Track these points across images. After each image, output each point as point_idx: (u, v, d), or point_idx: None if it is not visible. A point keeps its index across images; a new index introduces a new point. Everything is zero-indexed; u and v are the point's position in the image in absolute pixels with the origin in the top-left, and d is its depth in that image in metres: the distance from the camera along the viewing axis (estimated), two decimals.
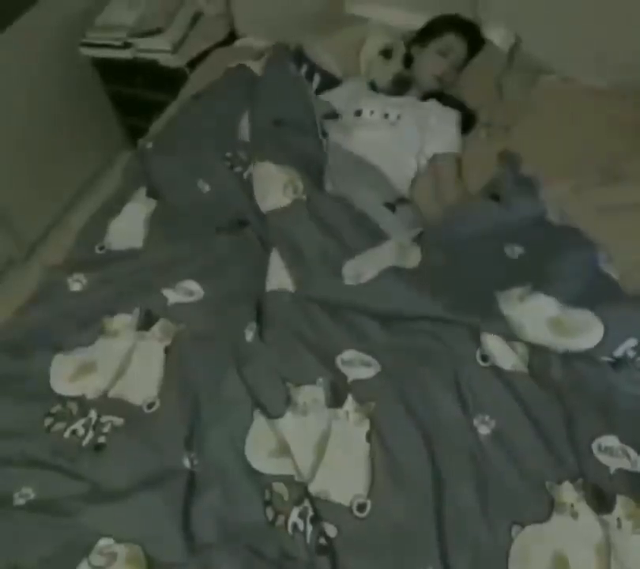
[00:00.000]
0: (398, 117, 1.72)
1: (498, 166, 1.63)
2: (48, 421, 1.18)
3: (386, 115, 1.73)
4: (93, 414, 1.18)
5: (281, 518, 1.02)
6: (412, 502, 1.03)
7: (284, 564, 0.98)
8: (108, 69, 2.27)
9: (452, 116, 1.76)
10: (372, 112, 1.75)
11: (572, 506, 1.00)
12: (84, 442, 1.15)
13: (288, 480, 1.05)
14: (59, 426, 1.17)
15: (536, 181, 1.54)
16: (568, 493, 1.02)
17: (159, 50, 2.11)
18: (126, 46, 2.12)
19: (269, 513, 1.03)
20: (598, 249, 1.37)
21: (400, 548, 0.99)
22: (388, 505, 1.03)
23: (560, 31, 1.78)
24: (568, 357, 1.20)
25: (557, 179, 1.54)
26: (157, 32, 2.10)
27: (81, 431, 1.16)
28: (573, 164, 1.58)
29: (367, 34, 1.85)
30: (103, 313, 1.34)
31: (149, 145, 1.73)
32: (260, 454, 1.09)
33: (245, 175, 1.58)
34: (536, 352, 1.21)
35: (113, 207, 1.59)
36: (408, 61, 1.86)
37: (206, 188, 1.58)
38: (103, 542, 1.01)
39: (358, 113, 1.76)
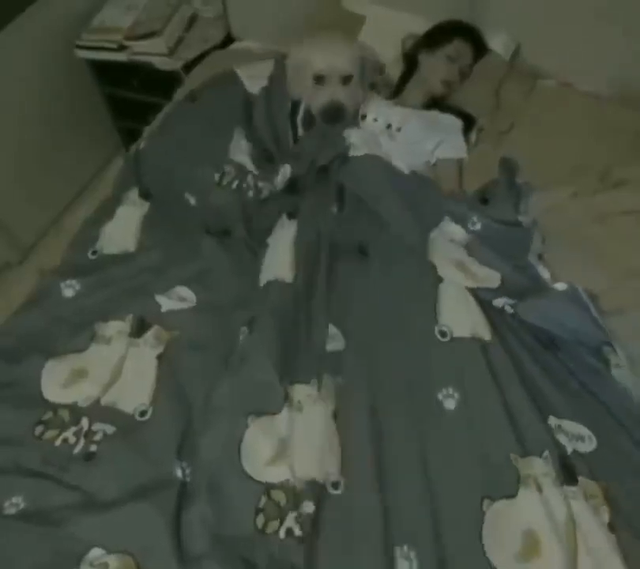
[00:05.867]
0: (398, 130, 1.70)
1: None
2: (39, 429, 1.17)
3: (389, 126, 1.72)
4: (85, 422, 1.17)
5: (274, 525, 1.01)
6: (389, 478, 1.05)
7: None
8: (104, 72, 2.27)
9: (457, 123, 1.76)
10: (376, 119, 1.73)
11: (537, 479, 1.02)
12: (76, 451, 1.14)
13: (285, 485, 1.04)
14: (50, 434, 1.16)
15: (527, 187, 1.54)
16: (533, 467, 1.04)
17: (154, 52, 2.11)
18: (122, 48, 2.12)
19: (260, 521, 1.01)
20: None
21: (377, 526, 0.99)
22: (363, 483, 1.04)
23: (558, 36, 1.78)
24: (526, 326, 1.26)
25: (555, 185, 1.54)
26: (153, 34, 2.10)
27: (73, 440, 1.15)
28: (571, 170, 1.58)
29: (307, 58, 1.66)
30: (95, 319, 1.33)
31: (142, 146, 1.72)
32: (256, 462, 1.08)
33: (234, 185, 1.55)
34: (492, 320, 1.25)
35: (106, 211, 1.58)
36: (412, 64, 1.86)
37: (192, 201, 1.57)
38: (94, 553, 1.00)
39: (362, 117, 1.74)
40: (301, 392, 1.16)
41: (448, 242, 1.41)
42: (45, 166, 2.31)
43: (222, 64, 1.95)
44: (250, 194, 1.54)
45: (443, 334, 1.22)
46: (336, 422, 1.12)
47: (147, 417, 1.18)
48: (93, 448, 1.14)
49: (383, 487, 1.04)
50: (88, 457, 1.13)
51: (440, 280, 1.32)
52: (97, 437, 1.15)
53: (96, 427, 1.17)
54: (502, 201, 1.50)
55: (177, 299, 1.35)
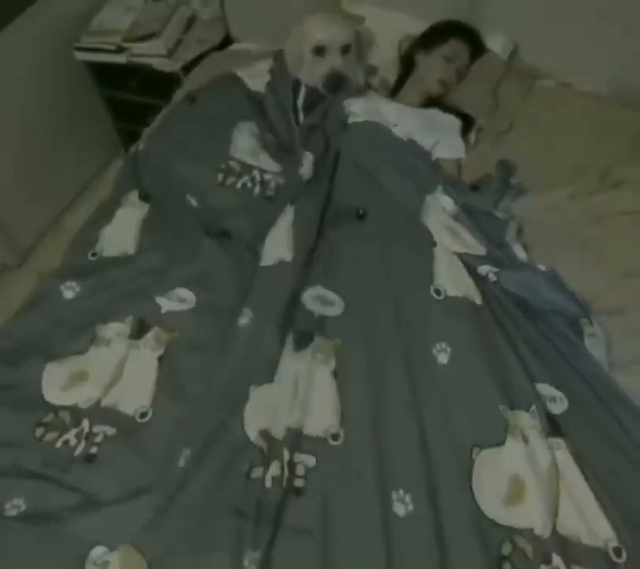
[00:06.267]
0: (395, 126, 1.70)
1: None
2: (40, 431, 1.17)
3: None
4: (85, 424, 1.18)
5: (259, 471, 1.05)
6: (385, 429, 1.10)
7: (260, 515, 1.00)
8: (103, 74, 2.27)
9: (455, 123, 1.76)
10: None
11: (523, 431, 1.08)
12: (76, 453, 1.14)
13: (266, 434, 1.09)
14: (51, 436, 1.16)
15: (518, 188, 1.56)
16: (521, 419, 1.10)
17: (153, 54, 2.11)
18: (121, 50, 2.12)
19: (245, 466, 1.06)
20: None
21: (375, 472, 1.05)
22: (361, 434, 1.09)
23: (557, 36, 1.78)
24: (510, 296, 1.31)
25: (555, 186, 1.54)
26: (152, 36, 2.09)
27: (73, 441, 1.16)
28: (571, 171, 1.58)
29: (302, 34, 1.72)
30: (96, 321, 1.33)
31: (142, 148, 1.72)
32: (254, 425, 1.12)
33: (238, 184, 1.56)
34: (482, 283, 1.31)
35: (106, 213, 1.58)
36: (409, 64, 1.86)
37: (194, 203, 1.56)
38: (96, 551, 1.00)
39: None
40: (300, 360, 1.19)
41: (441, 208, 1.46)
42: (44, 167, 2.30)
43: (221, 65, 1.95)
44: (256, 190, 1.55)
45: (438, 293, 1.27)
46: (337, 380, 1.16)
47: (147, 419, 1.18)
48: (94, 450, 1.14)
49: (380, 437, 1.09)
50: (89, 458, 1.13)
51: (434, 244, 1.37)
52: (98, 439, 1.15)
53: (97, 428, 1.17)
54: (484, 193, 1.55)
55: (177, 300, 1.35)
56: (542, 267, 1.37)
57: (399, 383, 1.15)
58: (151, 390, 1.21)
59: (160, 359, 1.26)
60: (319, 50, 1.69)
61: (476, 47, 1.83)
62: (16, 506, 1.07)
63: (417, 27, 1.88)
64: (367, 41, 1.82)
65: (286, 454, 1.06)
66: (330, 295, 1.30)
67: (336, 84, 1.69)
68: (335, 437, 1.10)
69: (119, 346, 1.28)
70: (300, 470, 1.06)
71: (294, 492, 1.04)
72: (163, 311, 1.33)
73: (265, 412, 1.13)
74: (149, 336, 1.29)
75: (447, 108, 1.80)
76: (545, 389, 1.16)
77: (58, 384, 1.24)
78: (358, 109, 1.66)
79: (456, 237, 1.39)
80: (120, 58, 2.12)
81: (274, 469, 1.04)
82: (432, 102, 1.82)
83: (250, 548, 0.97)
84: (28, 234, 2.29)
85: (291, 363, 1.19)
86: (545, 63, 1.87)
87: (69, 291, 1.40)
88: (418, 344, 1.21)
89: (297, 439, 1.09)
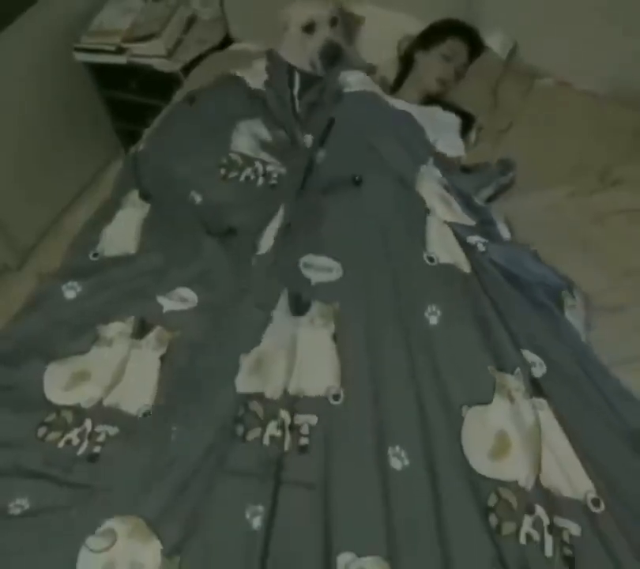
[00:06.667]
0: None
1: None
2: (42, 431, 1.17)
3: None
4: (88, 423, 1.18)
5: (256, 432, 1.08)
6: (382, 389, 1.14)
7: (261, 472, 1.03)
8: (102, 74, 2.27)
9: (455, 121, 1.77)
10: None
11: (510, 391, 1.13)
12: (79, 452, 1.14)
13: (260, 397, 1.12)
14: (53, 435, 1.17)
15: (513, 180, 1.60)
16: (508, 380, 1.14)
17: (153, 54, 2.11)
18: (121, 51, 2.12)
19: (239, 429, 1.08)
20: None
21: (373, 429, 1.09)
22: (360, 394, 1.13)
23: (556, 36, 1.78)
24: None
25: (555, 185, 1.54)
26: (152, 36, 2.09)
27: (76, 441, 1.16)
28: (571, 170, 1.58)
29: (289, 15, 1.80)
30: (97, 321, 1.33)
31: (142, 148, 1.73)
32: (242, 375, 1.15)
33: (242, 177, 1.56)
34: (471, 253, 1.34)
35: (106, 213, 1.58)
36: (408, 63, 1.87)
37: (198, 199, 1.56)
38: (100, 528, 1.01)
39: None
40: (298, 325, 1.23)
41: (434, 178, 1.49)
42: (44, 167, 2.30)
43: (221, 65, 1.95)
44: (260, 182, 1.55)
45: (431, 259, 1.31)
46: (336, 343, 1.20)
47: (150, 418, 1.18)
48: (97, 449, 1.14)
49: (377, 396, 1.13)
50: (92, 458, 1.13)
51: (428, 211, 1.40)
52: (100, 438, 1.16)
53: (99, 428, 1.17)
54: (472, 177, 1.59)
55: (178, 299, 1.35)
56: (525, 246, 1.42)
57: (394, 345, 1.19)
58: (153, 389, 1.21)
59: (163, 358, 1.26)
60: (309, 28, 1.75)
61: (475, 46, 1.84)
62: (19, 505, 1.07)
63: (417, 27, 1.89)
64: (352, 19, 1.89)
65: (284, 415, 1.09)
66: (328, 261, 1.32)
67: (334, 54, 1.75)
68: (336, 397, 1.13)
69: (121, 346, 1.28)
70: (305, 429, 1.09)
71: (299, 450, 1.07)
72: (164, 311, 1.33)
73: (259, 375, 1.15)
74: (151, 335, 1.29)
75: (448, 106, 1.81)
76: (526, 355, 1.21)
77: (59, 384, 1.24)
78: (354, 80, 1.69)
79: (448, 207, 1.42)
80: (120, 59, 2.13)
81: (272, 429, 1.08)
82: (431, 100, 1.82)
83: (252, 502, 1.00)
84: (28, 234, 2.29)
85: (289, 328, 1.22)
86: (544, 62, 1.87)
87: (71, 291, 1.40)
88: (411, 307, 1.25)
89: (295, 401, 1.12)
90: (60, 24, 2.17)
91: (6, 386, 1.25)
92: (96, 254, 1.49)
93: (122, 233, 1.52)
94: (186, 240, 1.47)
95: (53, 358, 1.27)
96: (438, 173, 1.50)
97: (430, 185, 1.45)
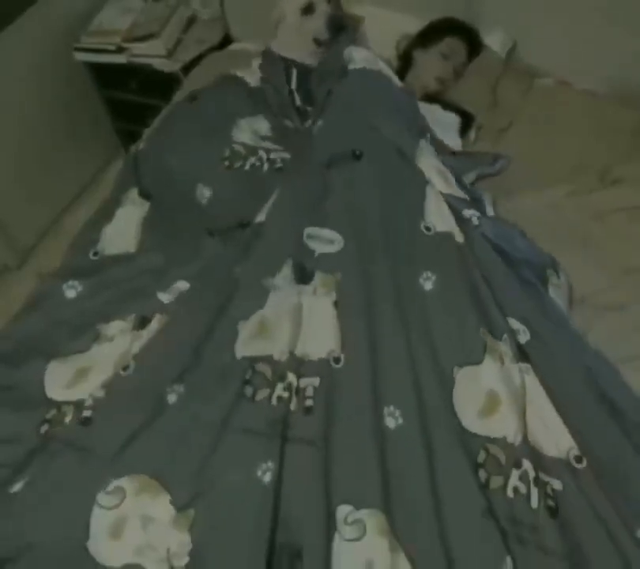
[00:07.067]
0: None
1: None
2: (45, 428, 1.17)
3: None
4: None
5: (264, 392, 1.12)
6: (379, 352, 1.18)
7: (269, 431, 1.07)
8: (102, 74, 2.27)
9: (454, 121, 1.78)
10: None
11: (501, 355, 1.18)
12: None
13: (268, 359, 1.16)
14: (54, 431, 1.16)
15: (503, 167, 1.65)
16: (498, 344, 1.19)
17: (153, 54, 2.11)
18: (120, 50, 2.12)
19: (248, 390, 1.12)
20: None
21: (370, 391, 1.13)
22: (357, 357, 1.17)
23: (556, 35, 1.79)
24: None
25: (554, 184, 1.54)
26: (151, 36, 2.10)
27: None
28: (571, 169, 1.58)
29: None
30: (98, 320, 1.33)
31: (142, 147, 1.72)
32: (243, 339, 1.19)
33: (247, 166, 1.56)
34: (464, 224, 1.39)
35: (106, 212, 1.58)
36: (407, 62, 1.87)
37: (207, 193, 1.54)
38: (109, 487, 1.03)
39: None
40: (301, 293, 1.27)
41: (433, 152, 1.54)
42: (44, 167, 2.31)
43: (220, 65, 1.95)
44: (265, 167, 1.56)
45: (428, 229, 1.37)
46: (337, 310, 1.24)
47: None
48: (88, 413, 1.15)
49: (375, 359, 1.18)
50: (85, 422, 1.14)
51: (427, 182, 1.44)
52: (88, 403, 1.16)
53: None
54: (460, 160, 1.63)
55: (177, 292, 1.35)
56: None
57: (391, 311, 1.24)
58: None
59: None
60: (308, 8, 1.77)
61: (474, 45, 1.84)
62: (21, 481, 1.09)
63: (416, 26, 1.90)
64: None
65: (291, 378, 1.13)
66: (331, 233, 1.35)
67: (339, 23, 1.78)
68: (337, 360, 1.18)
69: (122, 340, 1.28)
70: (309, 391, 1.13)
71: (304, 411, 1.11)
72: (165, 303, 1.33)
73: (263, 339, 1.19)
74: (153, 324, 1.29)
75: (447, 105, 1.81)
76: (512, 323, 1.25)
77: (61, 383, 1.23)
78: (359, 57, 1.71)
79: (445, 180, 1.47)
80: (120, 59, 2.13)
81: (279, 390, 1.12)
82: (431, 99, 1.82)
83: (262, 459, 1.03)
84: (28, 234, 2.29)
85: (293, 295, 1.25)
86: (544, 61, 1.87)
87: (71, 290, 1.40)
88: (407, 274, 1.30)
89: (300, 364, 1.17)
90: (60, 24, 2.17)
91: (7, 385, 1.25)
92: (96, 253, 1.49)
93: (122, 232, 1.52)
94: (186, 240, 1.47)
95: (54, 357, 1.27)
96: (433, 150, 1.54)
97: (428, 158, 1.50)
